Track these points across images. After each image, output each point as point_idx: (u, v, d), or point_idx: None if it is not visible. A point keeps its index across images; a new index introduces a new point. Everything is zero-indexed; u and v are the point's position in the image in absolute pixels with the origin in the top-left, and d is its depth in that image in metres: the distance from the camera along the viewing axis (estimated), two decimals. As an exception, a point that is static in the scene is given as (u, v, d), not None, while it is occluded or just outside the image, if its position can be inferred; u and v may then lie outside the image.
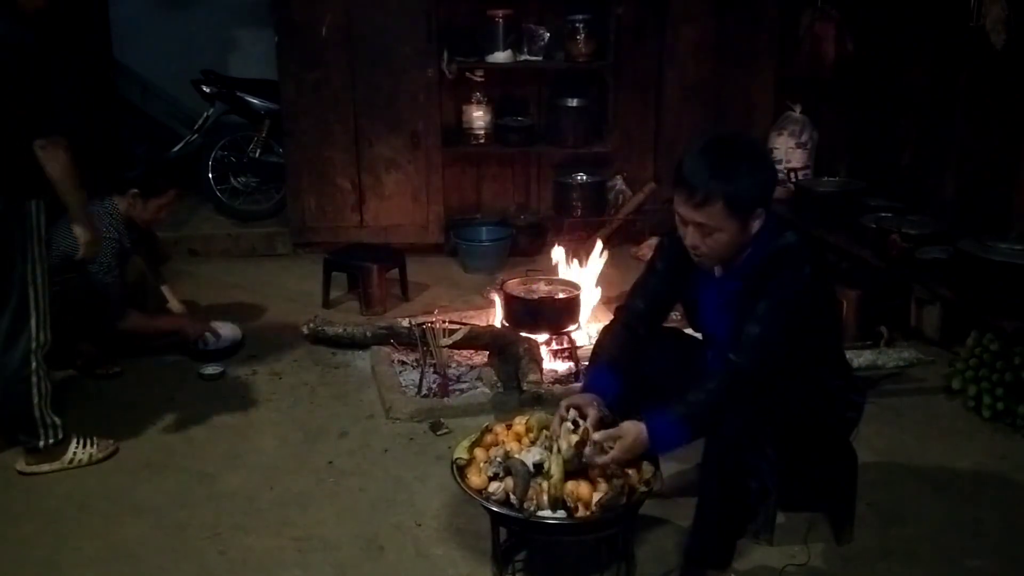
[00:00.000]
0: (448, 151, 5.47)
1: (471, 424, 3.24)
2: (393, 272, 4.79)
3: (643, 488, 2.38)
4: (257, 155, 5.82)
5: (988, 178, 4.32)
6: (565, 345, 3.87)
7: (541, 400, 3.39)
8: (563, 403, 2.47)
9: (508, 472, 2.36)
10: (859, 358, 3.59)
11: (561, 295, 3.88)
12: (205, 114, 5.97)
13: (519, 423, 2.57)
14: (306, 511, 2.97)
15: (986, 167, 4.34)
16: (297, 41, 5.17)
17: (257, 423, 3.56)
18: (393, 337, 4.04)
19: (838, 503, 2.77)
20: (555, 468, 2.31)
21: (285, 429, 3.51)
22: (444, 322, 3.74)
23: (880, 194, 4.84)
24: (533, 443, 2.48)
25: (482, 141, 5.55)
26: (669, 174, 2.65)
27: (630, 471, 2.38)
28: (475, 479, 2.40)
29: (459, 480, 2.42)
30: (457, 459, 2.48)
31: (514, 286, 3.94)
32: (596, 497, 2.30)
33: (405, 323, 4.01)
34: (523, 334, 3.75)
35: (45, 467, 3.14)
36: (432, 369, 3.73)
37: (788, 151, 5.43)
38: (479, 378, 3.82)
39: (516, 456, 2.39)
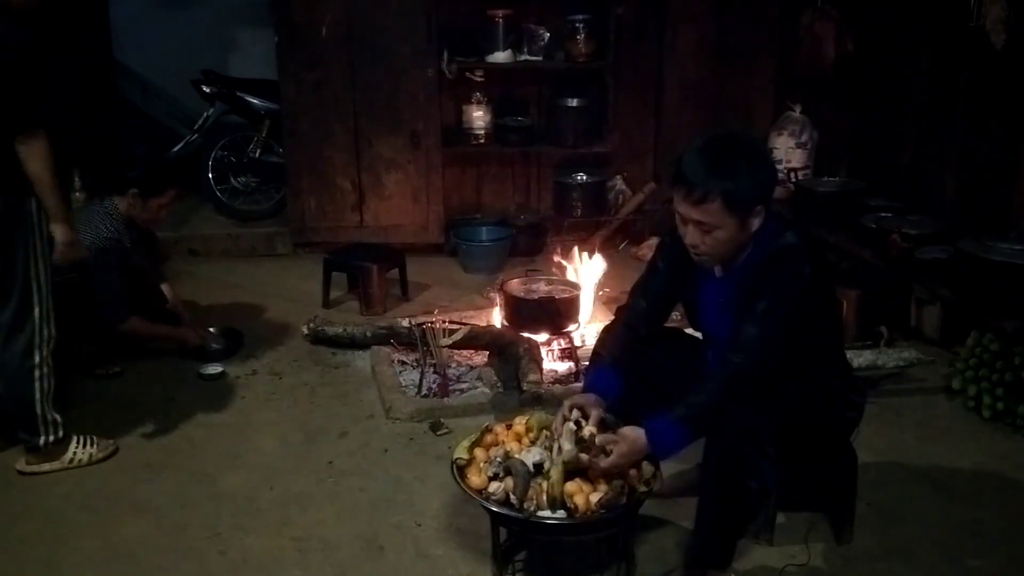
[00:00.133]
0: (448, 151, 5.47)
1: (471, 424, 3.25)
2: (393, 272, 4.79)
3: (643, 488, 2.38)
4: (257, 155, 5.82)
5: (988, 178, 4.32)
6: (565, 345, 3.86)
7: (541, 400, 3.39)
8: (566, 403, 2.47)
9: (508, 472, 2.36)
10: (859, 358, 3.59)
11: (561, 295, 3.88)
12: (205, 114, 5.97)
13: (519, 423, 2.57)
14: (306, 511, 2.97)
15: (986, 167, 4.34)
16: (297, 41, 5.17)
17: (257, 423, 3.56)
18: (393, 337, 4.04)
19: (838, 503, 2.77)
20: (555, 468, 2.32)
21: (285, 429, 3.51)
22: (444, 322, 3.74)
23: (880, 194, 4.83)
24: (533, 443, 2.48)
25: (482, 141, 5.54)
26: (669, 174, 2.64)
27: (630, 471, 2.37)
28: (475, 479, 2.40)
29: (459, 480, 2.42)
30: (457, 459, 2.48)
31: (514, 286, 3.94)
32: (596, 497, 2.30)
33: (405, 323, 4.01)
34: (523, 334, 3.75)
35: (45, 467, 3.15)
36: (432, 369, 3.72)
37: (788, 151, 5.42)
38: (479, 378, 3.82)
39: (516, 456, 2.40)
